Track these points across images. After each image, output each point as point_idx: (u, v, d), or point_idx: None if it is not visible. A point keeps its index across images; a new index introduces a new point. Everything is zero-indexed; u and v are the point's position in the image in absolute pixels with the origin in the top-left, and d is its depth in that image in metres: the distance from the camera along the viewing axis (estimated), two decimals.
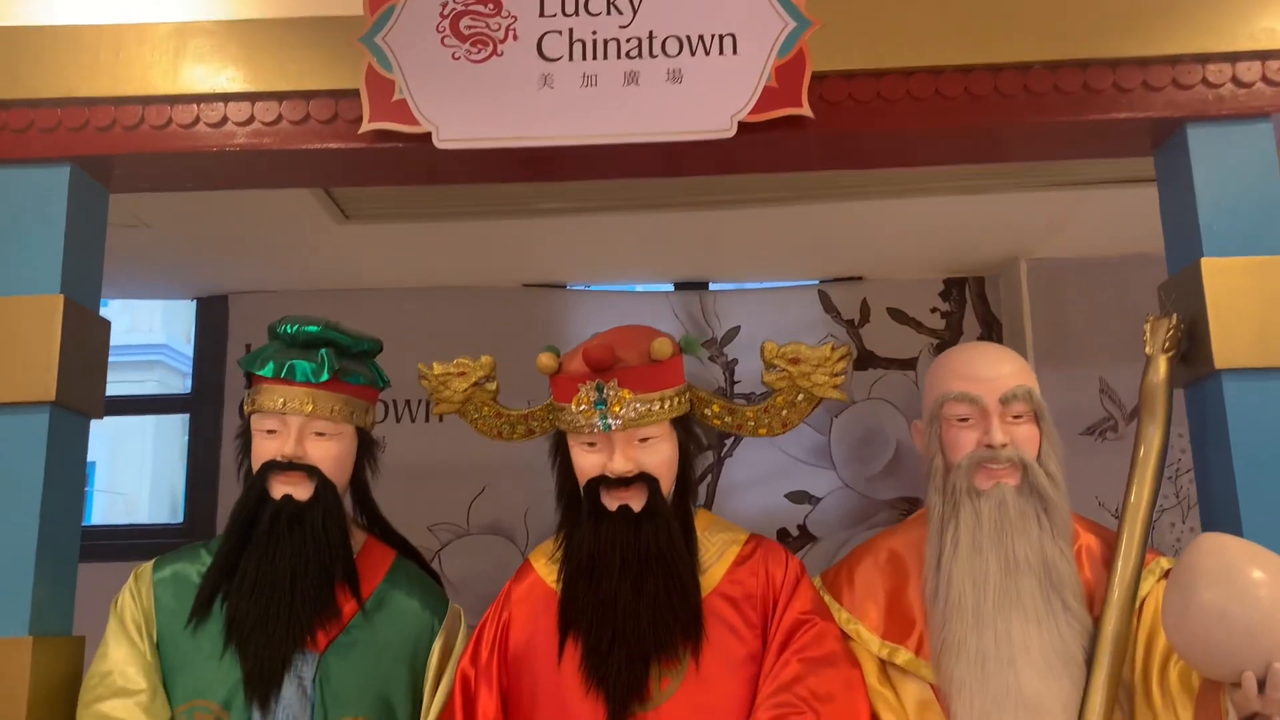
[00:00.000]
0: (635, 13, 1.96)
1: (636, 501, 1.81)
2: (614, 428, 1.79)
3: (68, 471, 1.97)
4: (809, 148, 2.02)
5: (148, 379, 10.46)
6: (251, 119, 2.00)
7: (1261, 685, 1.48)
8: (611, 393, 1.79)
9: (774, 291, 4.00)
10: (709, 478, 3.76)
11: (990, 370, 1.85)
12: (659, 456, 1.83)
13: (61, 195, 2.00)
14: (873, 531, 2.05)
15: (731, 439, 3.80)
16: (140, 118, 2.01)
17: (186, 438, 4.02)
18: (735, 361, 3.86)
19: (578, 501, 1.87)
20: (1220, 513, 1.86)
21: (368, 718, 1.84)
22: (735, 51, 1.93)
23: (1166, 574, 1.77)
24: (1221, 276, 1.86)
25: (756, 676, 1.78)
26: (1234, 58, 1.93)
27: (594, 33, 1.96)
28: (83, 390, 1.99)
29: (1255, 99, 1.92)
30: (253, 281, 3.80)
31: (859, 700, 1.77)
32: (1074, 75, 1.94)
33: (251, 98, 2.00)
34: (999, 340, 3.74)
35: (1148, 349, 1.90)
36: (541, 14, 1.97)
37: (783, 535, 3.73)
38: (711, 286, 3.99)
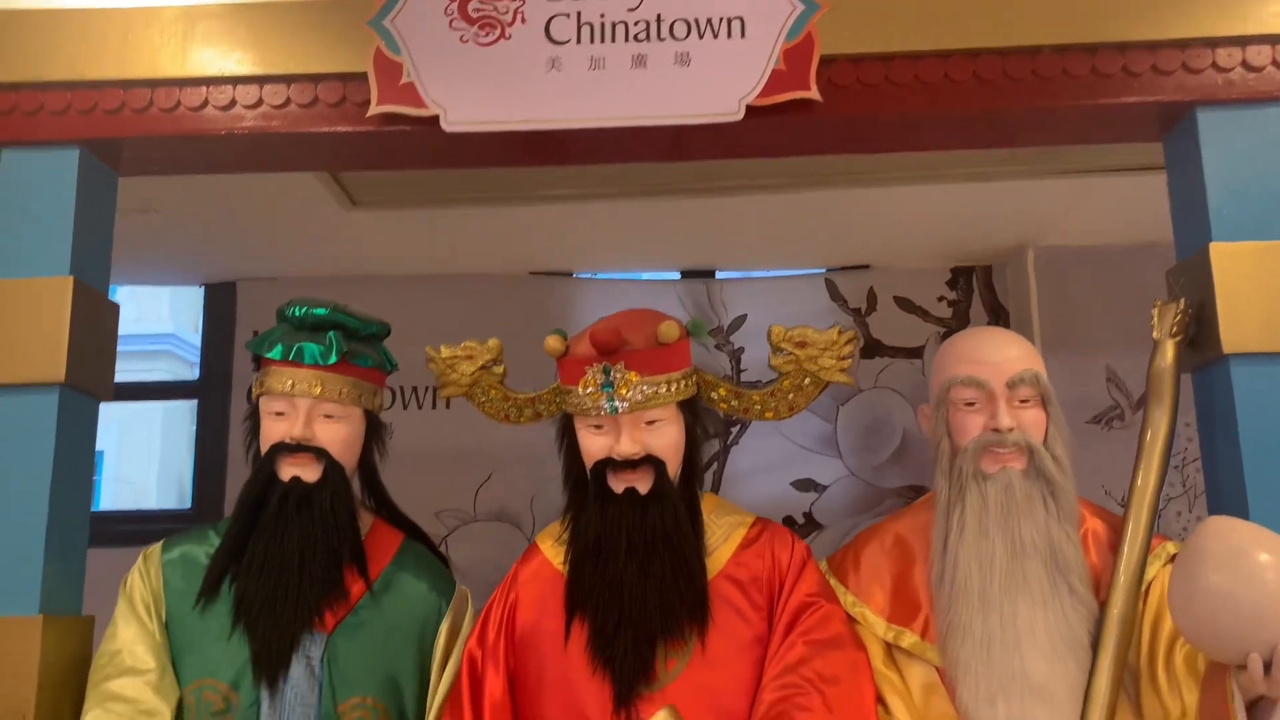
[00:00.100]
0: None
1: (643, 484, 1.81)
2: (621, 410, 1.80)
3: (77, 452, 1.98)
4: (817, 131, 2.02)
5: (155, 368, 10.48)
6: (260, 102, 2.01)
7: (1267, 667, 1.48)
8: (618, 375, 1.79)
9: (780, 280, 4.00)
10: (715, 465, 3.77)
11: (997, 354, 1.85)
12: (666, 439, 1.84)
13: (71, 178, 2.01)
14: (878, 519, 2.05)
15: (738, 427, 3.81)
16: (149, 100, 2.01)
17: (194, 426, 4.04)
18: (741, 350, 3.86)
19: (584, 484, 1.88)
20: (1227, 497, 1.86)
21: (375, 698, 1.85)
22: (743, 35, 1.93)
23: (1172, 559, 1.77)
24: (1230, 261, 1.86)
25: (762, 659, 1.78)
26: (1244, 41, 1.92)
27: (602, 16, 1.96)
28: (92, 372, 2.00)
29: (1265, 83, 1.91)
30: (261, 268, 3.81)
31: (864, 682, 1.77)
32: (1083, 59, 1.94)
33: (260, 80, 2.01)
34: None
35: (1155, 334, 1.90)
36: None
37: (788, 523, 3.73)
38: (718, 275, 3.99)
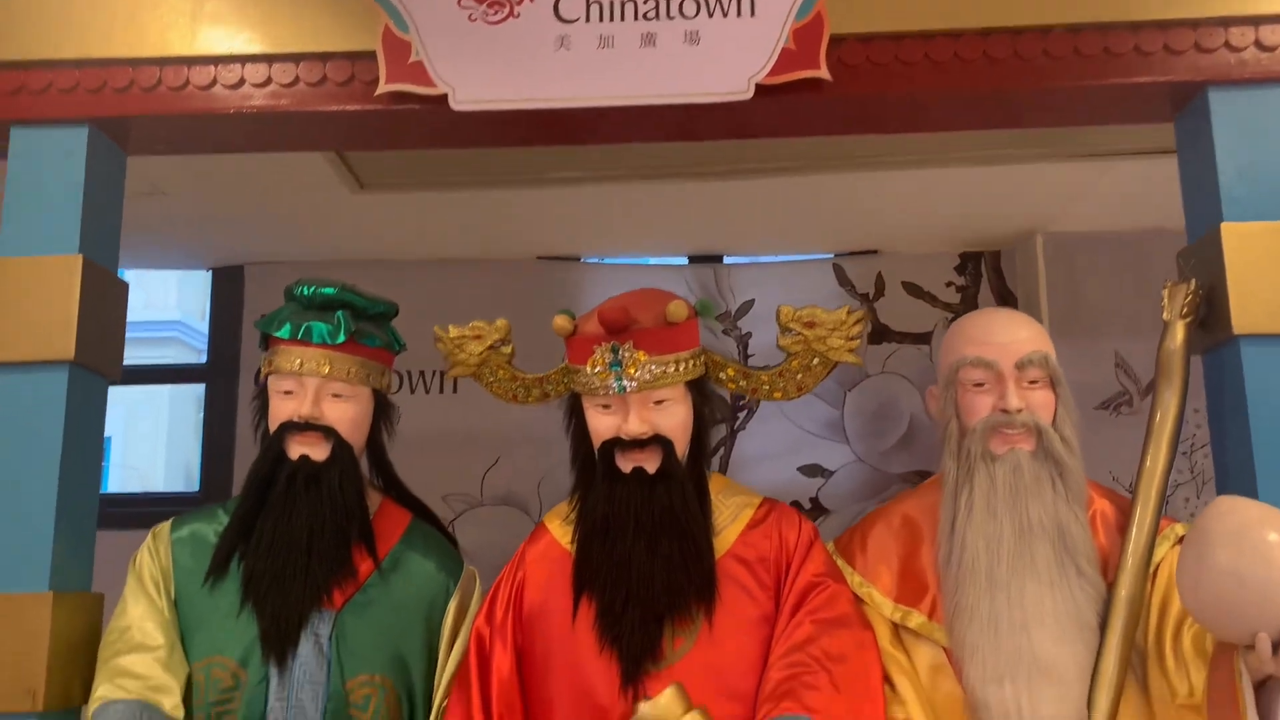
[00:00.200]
0: None
1: (651, 463, 1.81)
2: (629, 389, 1.80)
3: (86, 431, 1.98)
4: (826, 111, 2.01)
5: (162, 355, 10.51)
6: (268, 80, 2.00)
7: (1276, 647, 1.47)
8: (627, 354, 1.79)
9: (788, 265, 3.99)
10: (721, 451, 3.76)
11: (1006, 335, 1.85)
12: (674, 419, 1.84)
13: (80, 156, 2.00)
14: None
15: (745, 413, 3.80)
16: (157, 79, 2.01)
17: (202, 412, 4.05)
18: (749, 335, 3.85)
19: (592, 464, 1.88)
20: (1236, 478, 1.85)
21: (383, 675, 1.86)
22: (753, 13, 1.92)
23: (1181, 540, 1.76)
24: (1241, 241, 1.85)
25: (769, 638, 1.79)
26: (1257, 21, 1.90)
27: None
28: (101, 351, 2.00)
29: (1278, 63, 1.90)
30: (268, 252, 3.81)
31: (871, 661, 1.77)
32: (1094, 38, 1.92)
33: (268, 59, 2.00)
34: None
35: (1165, 315, 1.89)
36: None
37: (795, 508, 3.72)
38: (726, 260, 3.98)
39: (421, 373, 3.80)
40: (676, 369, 1.82)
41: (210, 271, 4.02)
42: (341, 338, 1.93)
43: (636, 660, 1.74)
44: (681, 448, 1.86)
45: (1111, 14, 1.92)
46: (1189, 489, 3.49)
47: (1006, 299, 3.82)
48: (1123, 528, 1.82)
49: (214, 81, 2.01)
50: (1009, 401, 1.81)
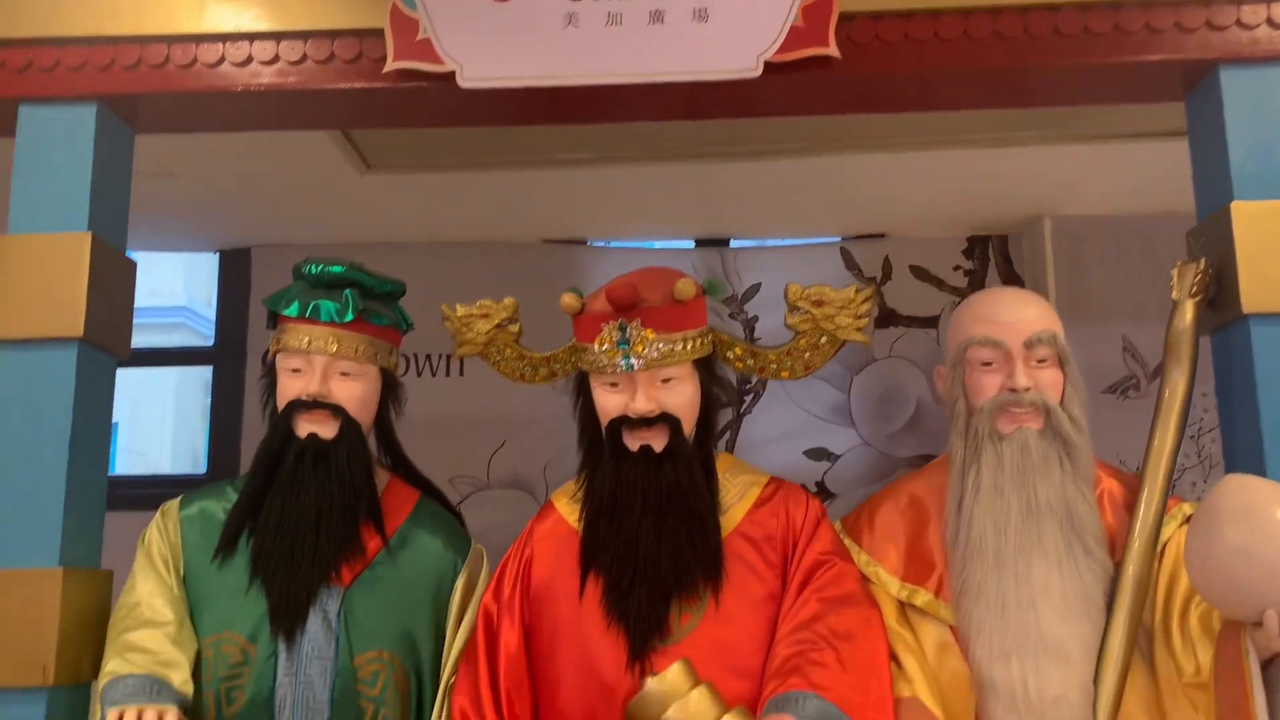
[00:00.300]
0: None
1: (658, 442, 1.81)
2: (636, 367, 1.80)
3: (95, 408, 1.99)
4: (835, 89, 2.00)
5: (169, 341, 10.52)
6: (276, 58, 2.00)
7: None
8: (634, 332, 1.79)
9: (795, 249, 3.99)
10: (728, 434, 3.77)
11: (1014, 314, 1.85)
12: (681, 397, 1.83)
13: (88, 134, 2.01)
14: None
15: (751, 396, 3.80)
16: (166, 56, 2.01)
17: (208, 396, 4.06)
18: (756, 319, 3.85)
19: (599, 442, 1.88)
20: (1245, 457, 1.85)
21: (391, 652, 1.87)
22: None
23: (1188, 519, 1.76)
24: (1252, 220, 1.84)
25: (775, 616, 1.79)
26: None
27: None
28: (110, 328, 2.01)
29: None
30: (275, 235, 3.81)
31: (878, 639, 1.78)
32: (1105, 16, 1.92)
33: (276, 37, 2.00)
34: None
35: (1175, 294, 1.88)
36: None
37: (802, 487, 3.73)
38: (732, 244, 3.97)
39: (428, 356, 3.80)
40: (684, 347, 1.82)
41: (218, 254, 4.03)
42: (349, 316, 1.93)
43: (643, 637, 1.74)
44: (689, 426, 1.86)
45: None
46: (1196, 473, 3.49)
47: (1014, 283, 3.81)
48: (1130, 507, 1.82)
49: (222, 59, 2.01)
50: (1017, 380, 1.81)
